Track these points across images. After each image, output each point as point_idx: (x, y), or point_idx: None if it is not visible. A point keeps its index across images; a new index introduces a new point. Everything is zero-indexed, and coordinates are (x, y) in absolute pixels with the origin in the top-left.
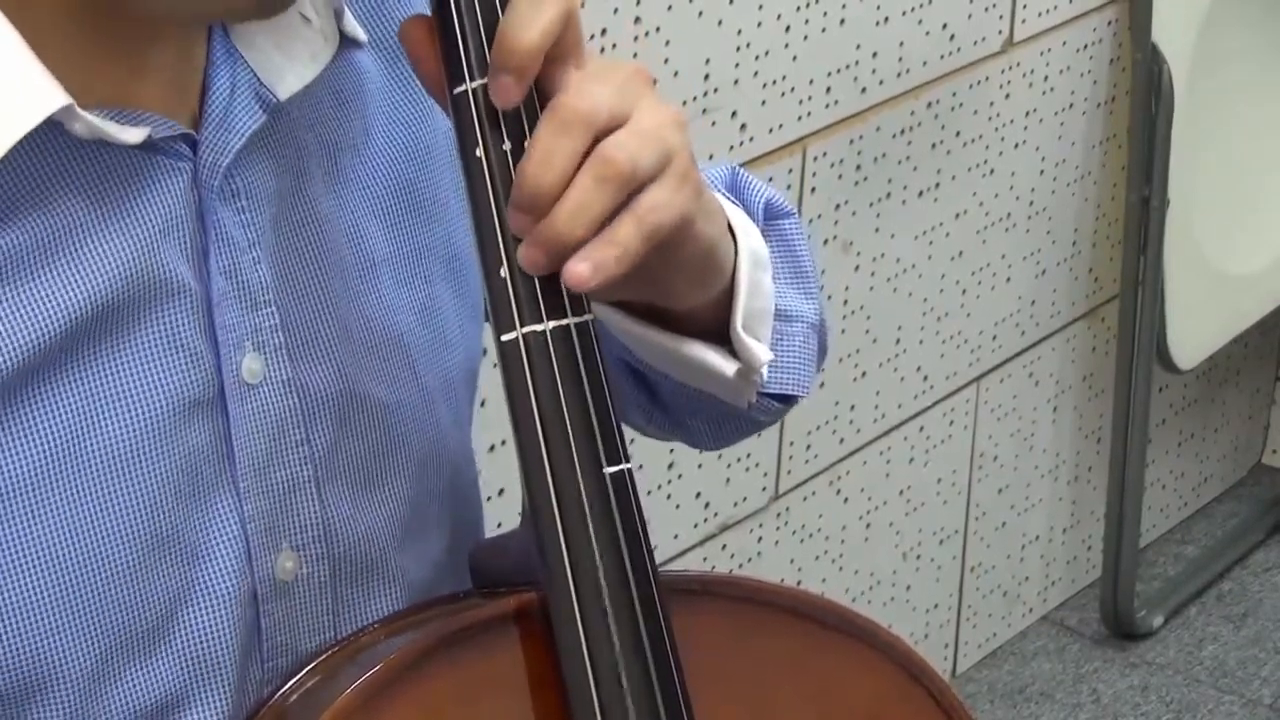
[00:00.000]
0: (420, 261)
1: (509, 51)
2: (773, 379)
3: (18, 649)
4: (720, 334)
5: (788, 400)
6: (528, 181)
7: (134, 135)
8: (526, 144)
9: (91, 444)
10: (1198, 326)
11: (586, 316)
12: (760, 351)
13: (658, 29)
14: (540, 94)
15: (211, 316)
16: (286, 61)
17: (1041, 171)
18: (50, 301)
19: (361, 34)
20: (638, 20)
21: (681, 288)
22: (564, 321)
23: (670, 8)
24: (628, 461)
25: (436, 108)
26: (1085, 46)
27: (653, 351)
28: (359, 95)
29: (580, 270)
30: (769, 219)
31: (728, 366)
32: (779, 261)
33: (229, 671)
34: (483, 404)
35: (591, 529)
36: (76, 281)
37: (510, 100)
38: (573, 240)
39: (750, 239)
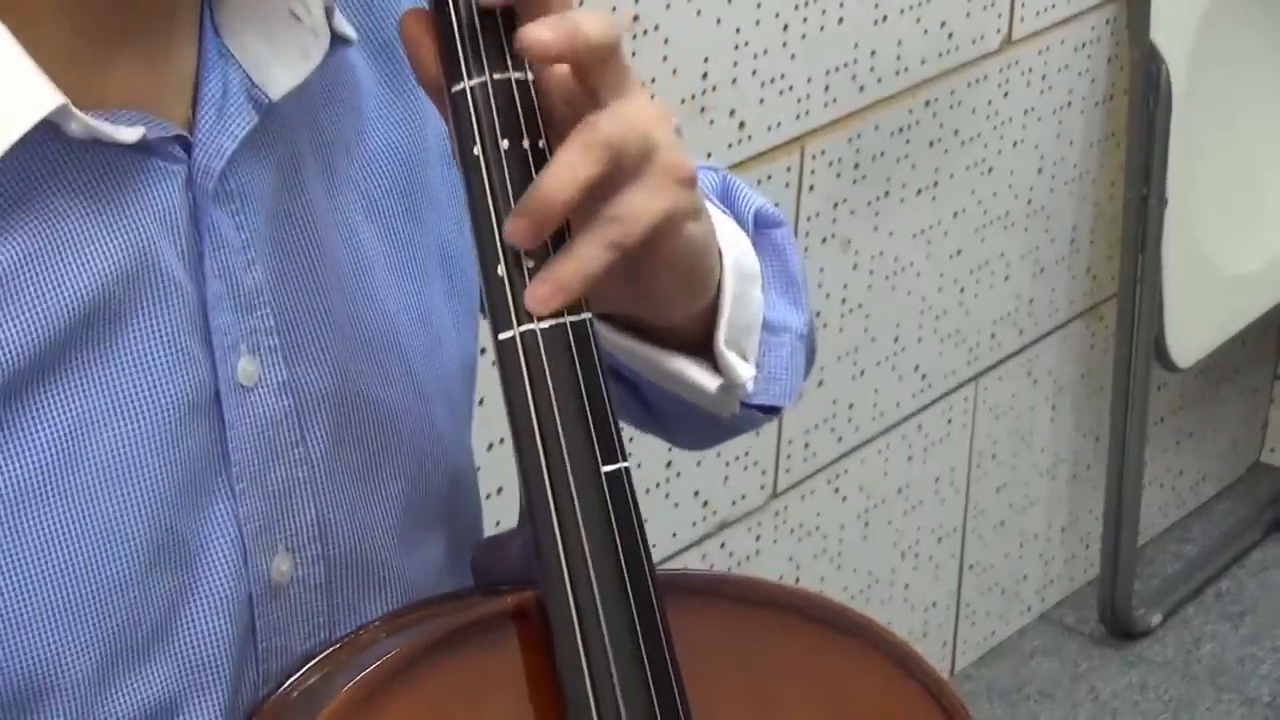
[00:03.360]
0: (414, 260)
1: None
2: (759, 390)
3: (19, 656)
4: (706, 346)
5: (772, 411)
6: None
7: (129, 135)
8: (524, 142)
9: (89, 449)
10: (1196, 325)
11: (584, 315)
12: (742, 369)
13: (656, 27)
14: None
15: (206, 319)
16: (278, 61)
17: (1040, 170)
18: (47, 305)
19: (352, 32)
20: (636, 19)
21: (670, 293)
22: (561, 320)
23: (669, 6)
24: (625, 460)
25: (429, 106)
26: (1084, 45)
27: (638, 363)
28: (351, 93)
29: (540, 292)
30: (760, 228)
31: (710, 382)
32: (769, 271)
33: (225, 674)
34: (481, 402)
35: (587, 528)
36: (72, 284)
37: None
38: (557, 204)
39: (738, 250)
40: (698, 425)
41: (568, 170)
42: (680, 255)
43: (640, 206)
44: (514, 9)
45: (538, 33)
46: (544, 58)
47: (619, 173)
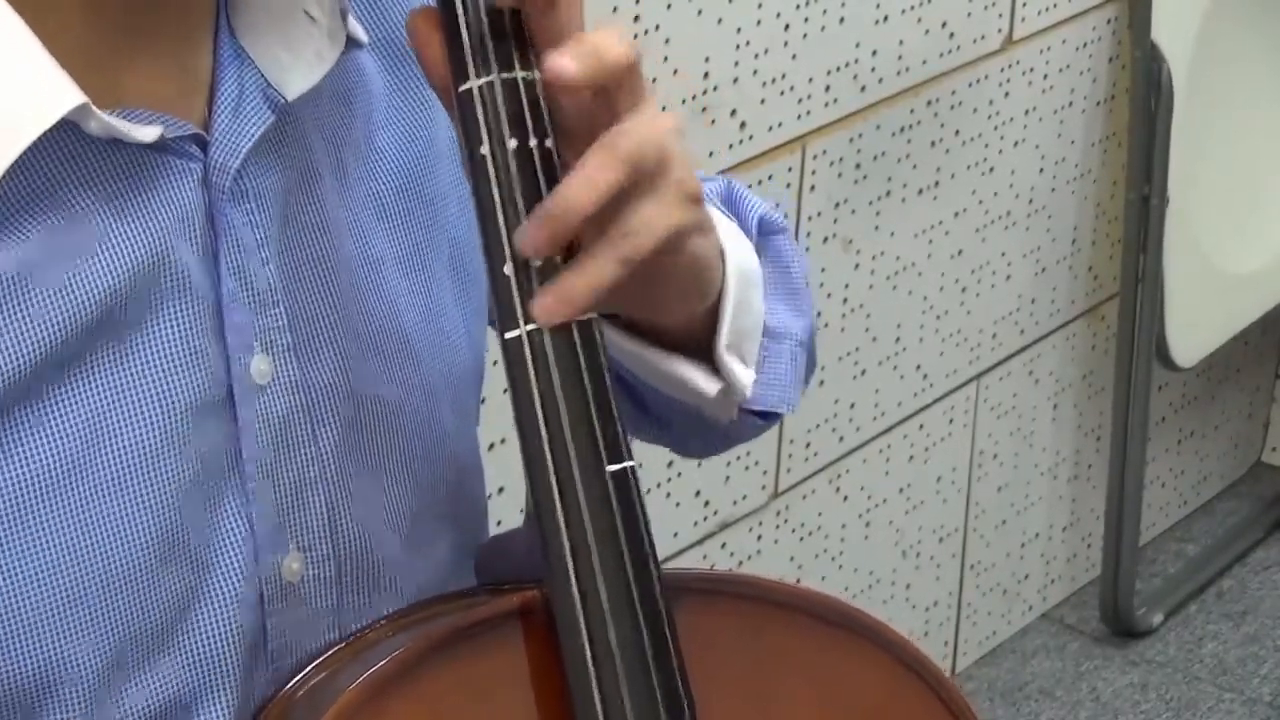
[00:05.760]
0: (423, 260)
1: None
2: (758, 396)
3: (30, 653)
4: (707, 350)
5: (770, 418)
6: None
7: (148, 134)
8: (531, 142)
9: (105, 446)
10: (1197, 324)
11: (590, 315)
12: (743, 375)
13: (657, 27)
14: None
15: (221, 317)
16: (294, 62)
17: (1041, 170)
18: (67, 301)
19: (363, 34)
20: (637, 19)
21: (670, 301)
22: (567, 320)
23: (670, 6)
24: (631, 459)
25: (438, 106)
26: (1085, 44)
27: (638, 365)
28: (361, 95)
29: (546, 304)
30: (762, 235)
31: (710, 386)
32: (771, 278)
33: (235, 673)
34: (482, 402)
35: (592, 527)
36: (92, 281)
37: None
38: (578, 215)
39: (740, 255)
40: (699, 432)
41: (590, 182)
42: (684, 270)
43: (653, 222)
44: (522, 9)
45: (561, 63)
46: (569, 88)
47: (634, 188)
